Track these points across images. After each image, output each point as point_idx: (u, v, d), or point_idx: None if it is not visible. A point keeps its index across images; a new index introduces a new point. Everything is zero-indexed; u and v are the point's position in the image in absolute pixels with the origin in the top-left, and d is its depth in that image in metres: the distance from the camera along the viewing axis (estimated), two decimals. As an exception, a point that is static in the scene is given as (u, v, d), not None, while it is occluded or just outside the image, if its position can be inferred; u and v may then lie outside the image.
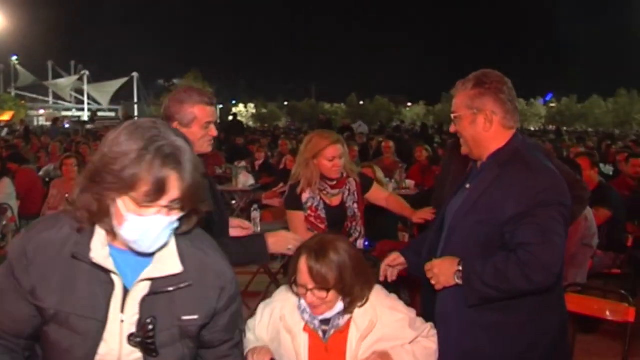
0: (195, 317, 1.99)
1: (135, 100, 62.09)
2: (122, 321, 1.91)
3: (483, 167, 2.78)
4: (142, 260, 1.93)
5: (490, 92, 2.71)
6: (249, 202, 11.20)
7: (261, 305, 2.91)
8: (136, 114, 51.05)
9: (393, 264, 3.23)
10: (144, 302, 1.92)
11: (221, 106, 73.14)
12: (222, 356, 2.18)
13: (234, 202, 12.01)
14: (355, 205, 4.51)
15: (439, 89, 74.69)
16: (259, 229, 6.48)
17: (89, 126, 34.15)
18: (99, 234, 1.89)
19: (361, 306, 2.71)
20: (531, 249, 2.48)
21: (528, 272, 2.47)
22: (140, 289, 1.92)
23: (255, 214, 6.57)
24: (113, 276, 1.89)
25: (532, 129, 55.70)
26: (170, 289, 1.93)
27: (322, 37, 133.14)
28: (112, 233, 1.89)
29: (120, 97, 62.46)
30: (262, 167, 12.38)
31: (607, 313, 3.81)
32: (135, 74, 65.49)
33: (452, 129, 2.90)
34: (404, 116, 73.91)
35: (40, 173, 11.33)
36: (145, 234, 1.83)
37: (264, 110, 72.64)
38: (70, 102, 71.80)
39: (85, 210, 1.85)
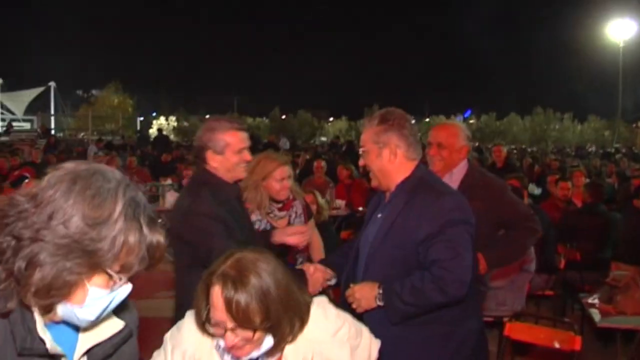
0: None
1: (52, 111, 59.88)
2: None
3: (392, 196, 3.00)
4: (71, 329, 1.62)
5: (394, 128, 2.97)
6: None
7: (168, 340, 2.30)
8: (53, 125, 49.13)
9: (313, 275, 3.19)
10: None
11: (141, 119, 71.74)
12: None
13: (160, 221, 11.66)
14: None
15: (362, 104, 75.58)
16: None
17: (3, 138, 32.21)
18: (36, 313, 1.51)
19: (292, 341, 2.22)
20: (443, 265, 2.71)
21: (442, 285, 2.70)
22: None
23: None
24: None
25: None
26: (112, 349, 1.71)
27: (244, 50, 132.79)
28: (43, 308, 1.51)
29: (36, 107, 60.16)
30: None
31: (555, 343, 3.83)
32: (52, 84, 63.28)
33: (361, 162, 3.14)
34: (327, 131, 74.19)
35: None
36: (106, 310, 1.55)
37: (185, 124, 71.53)
38: (-19, 112, 68.92)
39: (32, 286, 1.42)
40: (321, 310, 2.32)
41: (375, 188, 3.22)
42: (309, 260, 4.78)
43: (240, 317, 2.01)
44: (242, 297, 2.01)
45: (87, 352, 1.64)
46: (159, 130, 30.68)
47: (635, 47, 60.21)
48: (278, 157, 4.48)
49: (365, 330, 2.40)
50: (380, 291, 2.79)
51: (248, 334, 2.04)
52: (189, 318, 2.28)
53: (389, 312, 2.77)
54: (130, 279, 1.56)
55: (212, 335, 2.17)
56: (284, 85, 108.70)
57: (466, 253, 2.77)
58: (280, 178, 4.24)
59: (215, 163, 3.21)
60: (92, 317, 1.52)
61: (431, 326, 2.85)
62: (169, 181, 12.96)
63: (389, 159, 2.96)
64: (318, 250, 4.93)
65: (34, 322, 1.50)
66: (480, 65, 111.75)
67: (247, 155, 3.28)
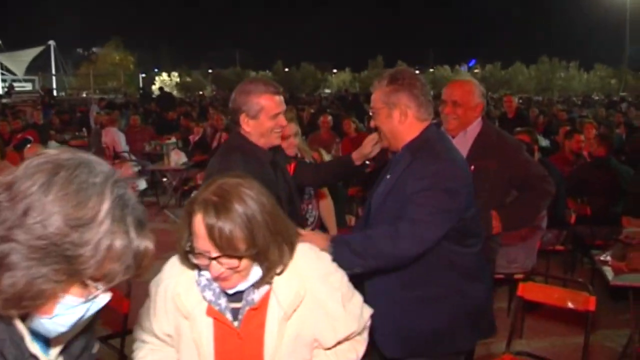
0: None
1: (53, 70, 59.46)
2: None
3: (399, 157, 2.98)
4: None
5: (404, 88, 2.90)
6: (183, 180, 10.88)
7: (152, 286, 2.20)
8: (54, 85, 48.84)
9: None
10: None
11: (143, 75, 71.34)
12: None
13: (165, 179, 11.65)
14: (311, 187, 4.47)
15: (365, 55, 74.98)
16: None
17: (4, 100, 31.32)
18: (19, 324, 1.35)
19: (281, 272, 2.08)
20: (407, 222, 2.71)
21: (396, 237, 2.70)
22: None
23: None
24: None
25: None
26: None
27: (246, 3, 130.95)
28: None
29: (37, 67, 59.61)
30: (198, 144, 11.91)
31: (569, 302, 3.78)
32: (52, 42, 62.66)
33: (372, 123, 3.09)
34: (330, 83, 73.84)
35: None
36: (80, 320, 1.37)
37: (188, 79, 71.16)
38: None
39: (2, 294, 1.23)
40: (314, 251, 2.25)
41: (385, 148, 3.20)
42: (320, 219, 4.75)
43: (224, 245, 1.90)
44: (225, 224, 1.89)
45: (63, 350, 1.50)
46: (161, 88, 30.34)
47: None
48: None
49: (357, 293, 2.33)
50: (332, 244, 2.73)
51: (233, 262, 1.94)
52: (169, 262, 2.21)
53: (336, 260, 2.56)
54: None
55: (195, 267, 2.07)
56: (286, 38, 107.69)
57: (434, 221, 2.72)
58: (286, 136, 4.12)
59: (249, 127, 3.10)
60: (63, 329, 1.36)
61: (426, 289, 2.86)
62: (172, 139, 12.88)
63: (400, 120, 2.92)
64: (328, 211, 4.86)
65: (21, 337, 1.35)
66: (484, 15, 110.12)
67: (283, 120, 3.15)
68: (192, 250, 1.98)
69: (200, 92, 58.67)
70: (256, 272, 2.02)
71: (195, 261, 2.00)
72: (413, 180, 2.79)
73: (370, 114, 3.09)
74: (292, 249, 2.10)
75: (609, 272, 4.56)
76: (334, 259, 2.34)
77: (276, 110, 3.09)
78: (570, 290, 3.84)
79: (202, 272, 2.08)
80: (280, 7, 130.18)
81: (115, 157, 12.00)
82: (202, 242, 1.93)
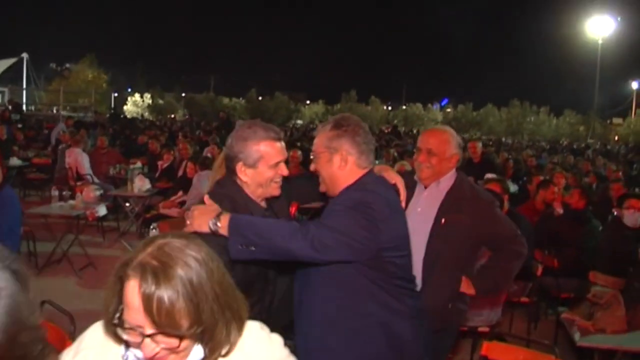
0: None
1: (24, 84, 58.49)
2: None
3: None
4: None
5: (347, 134, 2.89)
6: (145, 207, 10.61)
7: (66, 354, 1.81)
8: (25, 99, 47.98)
9: None
10: None
11: (116, 94, 70.69)
12: None
13: (127, 204, 11.36)
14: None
15: (339, 88, 75.43)
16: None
17: None
18: None
19: (227, 354, 1.77)
20: (316, 224, 2.63)
21: (294, 233, 2.54)
22: None
23: (154, 233, 6.08)
24: None
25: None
26: None
27: (223, 29, 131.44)
28: None
29: (8, 79, 58.62)
30: (165, 171, 11.64)
31: (534, 366, 3.64)
32: (25, 55, 61.83)
33: (312, 167, 3.04)
34: (303, 114, 73.96)
35: None
36: None
37: (160, 101, 70.69)
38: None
39: None
40: (265, 332, 1.95)
41: (323, 193, 3.09)
42: None
43: (163, 320, 1.57)
44: (165, 294, 1.57)
45: None
46: (124, 116, 29.96)
47: (613, 44, 60.95)
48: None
49: None
50: (219, 217, 2.55)
51: (173, 341, 1.61)
52: (91, 328, 1.85)
53: (228, 242, 2.52)
54: None
55: (123, 342, 1.71)
56: (261, 66, 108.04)
57: (339, 235, 2.59)
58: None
59: (246, 177, 2.87)
60: None
61: (347, 322, 2.76)
62: (138, 164, 12.60)
63: (340, 165, 2.90)
64: None
65: None
66: (459, 55, 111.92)
67: (284, 169, 2.91)
68: (121, 324, 1.63)
69: (172, 116, 58.20)
70: (197, 352, 1.71)
71: (124, 337, 1.65)
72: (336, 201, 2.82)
73: (311, 157, 3.03)
74: (241, 326, 1.79)
75: (575, 331, 4.45)
76: (229, 236, 2.40)
77: (277, 158, 2.87)
78: (536, 353, 3.70)
79: (131, 350, 1.73)
80: (256, 35, 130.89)
81: (77, 179, 11.73)
82: (135, 314, 1.59)
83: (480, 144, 11.70)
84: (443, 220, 3.58)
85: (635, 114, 60.67)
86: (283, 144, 2.92)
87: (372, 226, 2.67)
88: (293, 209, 3.39)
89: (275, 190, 2.93)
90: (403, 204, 3.05)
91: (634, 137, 54.73)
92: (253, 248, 2.51)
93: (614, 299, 4.54)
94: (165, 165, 11.76)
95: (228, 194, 2.85)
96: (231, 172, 2.90)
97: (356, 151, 2.89)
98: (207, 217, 2.56)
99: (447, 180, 3.74)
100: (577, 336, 4.39)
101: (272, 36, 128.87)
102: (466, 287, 3.69)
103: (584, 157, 22.83)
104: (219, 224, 2.53)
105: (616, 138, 60.32)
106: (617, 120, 67.96)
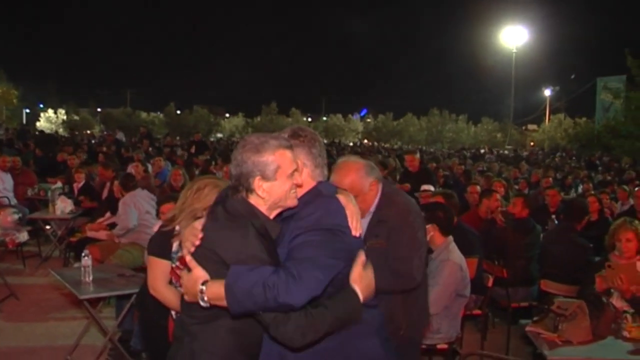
0: None
1: None
2: None
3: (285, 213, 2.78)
4: None
5: (304, 145, 2.84)
6: (69, 230, 10.01)
7: None
8: None
9: None
10: None
11: (27, 110, 68.18)
12: None
13: (48, 227, 10.73)
14: None
15: (259, 101, 75.25)
16: (91, 278, 5.61)
17: None
18: None
19: None
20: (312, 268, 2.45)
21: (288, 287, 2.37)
22: None
23: (87, 261, 5.65)
24: None
25: (351, 143, 57.74)
26: None
27: (138, 42, 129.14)
28: None
29: None
30: (83, 190, 11.02)
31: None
32: None
33: None
34: (223, 127, 73.34)
35: None
36: None
37: (75, 117, 68.67)
38: None
39: None
40: None
41: None
42: None
43: None
44: None
45: None
46: (41, 131, 28.78)
47: (526, 53, 63.04)
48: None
49: None
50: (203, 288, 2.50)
51: None
52: None
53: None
54: None
55: None
56: (179, 80, 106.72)
57: (324, 271, 2.49)
58: None
59: (264, 192, 2.61)
60: None
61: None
62: (58, 184, 11.93)
63: None
64: None
65: None
66: (377, 66, 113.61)
67: (299, 178, 2.71)
68: None
69: (88, 132, 56.53)
70: None
71: None
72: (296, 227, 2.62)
73: None
74: None
75: (542, 344, 4.35)
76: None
77: (292, 167, 2.64)
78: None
79: None
80: (175, 48, 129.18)
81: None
82: None
83: (418, 155, 11.72)
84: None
85: (549, 119, 62.84)
86: (293, 151, 2.70)
87: (347, 248, 2.63)
88: None
89: (293, 201, 2.68)
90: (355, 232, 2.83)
91: (548, 142, 56.64)
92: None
93: (579, 309, 4.43)
94: (80, 185, 11.14)
95: (248, 216, 2.60)
96: (242, 191, 2.64)
97: (311, 163, 2.84)
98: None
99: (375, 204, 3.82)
100: (545, 350, 4.27)
101: (189, 49, 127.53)
102: None
103: (507, 163, 23.28)
104: (205, 297, 2.49)
105: (532, 143, 62.34)
106: (532, 126, 70.42)
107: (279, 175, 2.60)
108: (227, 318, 2.54)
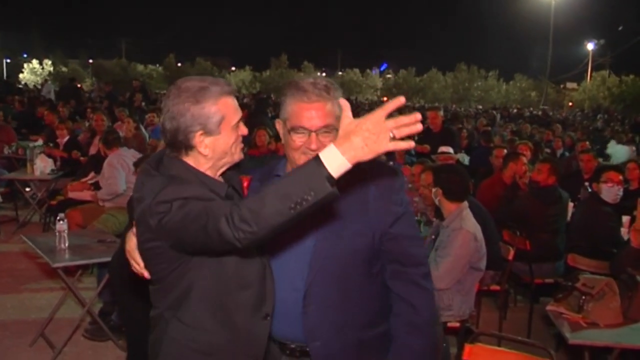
0: None
1: None
2: None
3: None
4: None
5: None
6: (49, 193, 10.02)
7: None
8: None
9: None
10: None
11: (8, 60, 68.10)
12: None
13: (28, 189, 10.75)
14: None
15: (268, 53, 74.84)
16: (66, 244, 5.60)
17: None
18: None
19: None
20: None
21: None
22: None
23: (62, 226, 5.63)
24: None
25: (367, 100, 57.52)
26: None
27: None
28: None
29: None
30: (67, 147, 10.96)
31: (527, 372, 3.44)
32: None
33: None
34: (229, 82, 73.17)
35: None
36: None
37: (63, 69, 68.61)
38: None
39: None
40: None
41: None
42: None
43: None
44: None
45: None
46: (71, 79, 28.60)
47: (566, 6, 61.78)
48: None
49: None
50: None
51: None
52: None
53: None
54: None
55: None
56: (180, 29, 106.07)
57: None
58: None
59: (207, 149, 2.47)
60: None
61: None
62: (39, 141, 11.91)
63: None
64: None
65: None
66: (399, 17, 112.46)
67: (244, 129, 2.55)
68: None
69: (79, 85, 56.47)
70: None
71: None
72: None
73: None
74: None
75: (563, 325, 4.28)
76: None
77: (237, 117, 2.50)
78: (529, 356, 3.48)
79: None
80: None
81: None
82: None
83: (441, 112, 11.56)
84: None
85: (591, 78, 62.01)
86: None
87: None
88: (246, 183, 2.99)
89: (240, 155, 2.57)
90: None
91: (589, 102, 56.04)
92: None
93: (607, 288, 4.36)
94: (64, 141, 11.05)
95: (183, 177, 2.45)
96: (177, 149, 2.50)
97: None
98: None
99: None
100: (567, 332, 4.20)
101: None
102: None
103: (540, 125, 23.02)
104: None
105: (570, 104, 61.73)
106: (571, 85, 69.56)
107: (223, 128, 2.46)
108: (197, 290, 2.50)
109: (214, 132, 2.44)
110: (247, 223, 2.07)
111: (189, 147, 2.45)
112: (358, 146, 2.04)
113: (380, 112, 2.05)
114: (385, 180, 2.69)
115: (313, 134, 2.53)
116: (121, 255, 3.53)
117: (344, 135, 2.06)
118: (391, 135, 2.05)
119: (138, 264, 2.63)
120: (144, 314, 3.71)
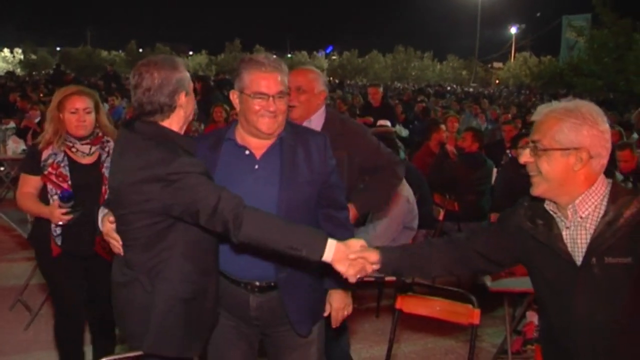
0: None
1: None
2: None
3: None
4: None
5: None
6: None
7: None
8: None
9: None
10: None
11: (-19, 50, 66.22)
12: None
13: (2, 169, 10.54)
14: None
15: (223, 38, 74.00)
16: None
17: None
18: None
19: None
20: None
21: None
22: None
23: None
24: None
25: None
26: None
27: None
28: None
29: None
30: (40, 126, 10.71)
31: (452, 316, 3.55)
32: None
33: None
34: (186, 66, 72.15)
35: None
36: None
37: (33, 57, 66.91)
38: None
39: None
40: None
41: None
42: None
43: None
44: None
45: None
46: (58, 65, 27.98)
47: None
48: (78, 88, 4.04)
49: None
50: None
51: None
52: None
53: None
54: None
55: None
56: (141, 17, 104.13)
57: None
58: (72, 109, 3.83)
59: (188, 106, 2.73)
60: None
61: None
62: (11, 124, 11.67)
63: None
64: None
65: None
66: (342, 2, 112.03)
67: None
68: None
69: (48, 71, 55.22)
70: None
71: None
72: None
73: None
74: None
75: (487, 277, 4.44)
76: None
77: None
78: (453, 303, 3.59)
79: None
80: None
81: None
82: None
83: (381, 89, 11.67)
84: None
85: (514, 58, 63.02)
86: None
87: None
88: None
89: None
90: None
91: (513, 80, 56.92)
92: None
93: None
94: (37, 120, 10.77)
95: (168, 138, 2.62)
96: (153, 114, 2.63)
97: None
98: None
99: (318, 118, 3.71)
100: (488, 281, 4.36)
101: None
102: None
103: (469, 101, 23.28)
104: None
105: (497, 81, 62.60)
106: (497, 64, 70.53)
107: (190, 88, 2.71)
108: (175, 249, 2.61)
109: (189, 92, 2.69)
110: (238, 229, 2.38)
111: (172, 108, 2.63)
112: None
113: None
114: (318, 140, 2.92)
115: (271, 98, 2.72)
116: None
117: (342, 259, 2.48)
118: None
119: (118, 242, 2.71)
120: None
